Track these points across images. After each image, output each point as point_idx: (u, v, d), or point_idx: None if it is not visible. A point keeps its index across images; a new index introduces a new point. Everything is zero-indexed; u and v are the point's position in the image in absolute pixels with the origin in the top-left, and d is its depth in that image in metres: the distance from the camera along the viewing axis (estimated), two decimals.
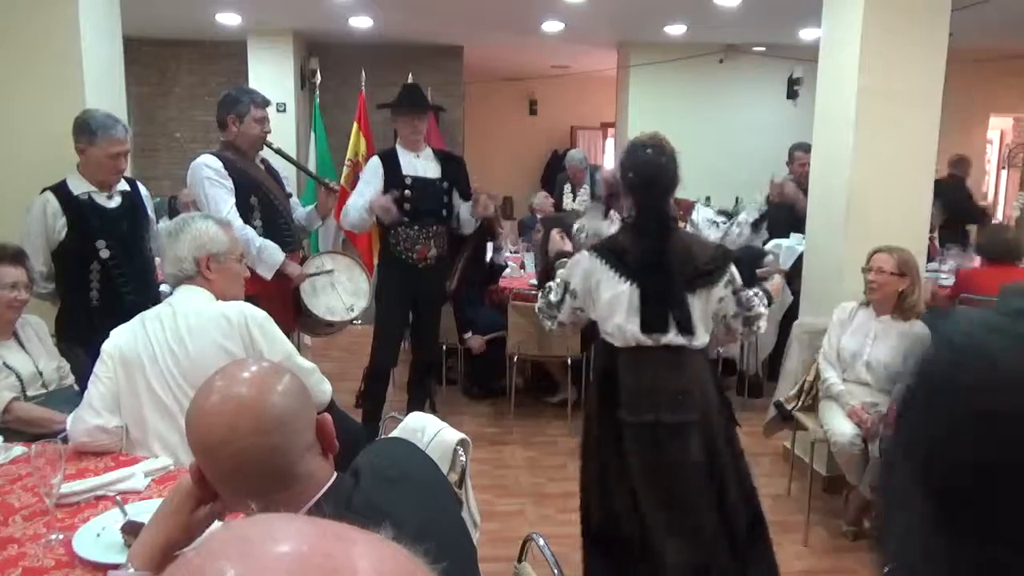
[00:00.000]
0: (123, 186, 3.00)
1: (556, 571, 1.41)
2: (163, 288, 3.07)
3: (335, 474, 1.14)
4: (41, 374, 2.55)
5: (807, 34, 6.97)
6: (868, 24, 3.46)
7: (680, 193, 2.56)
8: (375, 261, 4.45)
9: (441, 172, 3.95)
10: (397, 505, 1.14)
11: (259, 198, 3.29)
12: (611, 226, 3.33)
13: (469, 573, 1.26)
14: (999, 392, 0.51)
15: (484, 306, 4.90)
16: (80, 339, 2.71)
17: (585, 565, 2.48)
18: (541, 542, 1.49)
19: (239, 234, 3.01)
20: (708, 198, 7.94)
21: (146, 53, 7.72)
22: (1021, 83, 8.30)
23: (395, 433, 1.95)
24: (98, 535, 1.56)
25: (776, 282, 3.11)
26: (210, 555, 0.45)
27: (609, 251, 2.39)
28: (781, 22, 6.69)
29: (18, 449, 2.01)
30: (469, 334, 4.71)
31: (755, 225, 3.12)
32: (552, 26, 7.04)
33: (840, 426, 3.06)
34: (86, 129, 2.83)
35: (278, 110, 7.06)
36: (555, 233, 2.76)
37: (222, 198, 3.16)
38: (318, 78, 7.73)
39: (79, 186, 2.88)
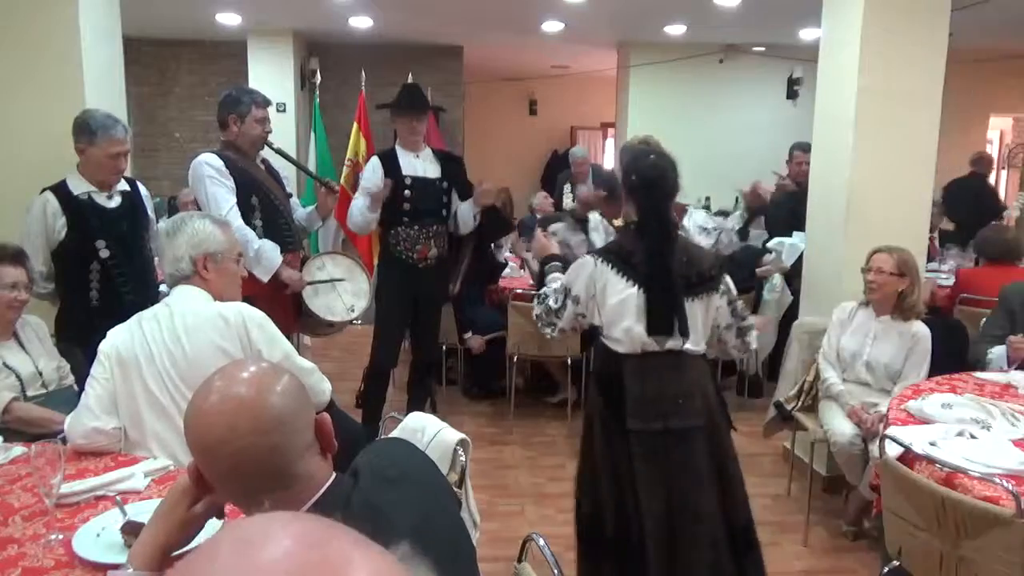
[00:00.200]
0: (123, 186, 3.00)
1: (556, 571, 1.41)
2: (163, 288, 3.07)
3: (334, 474, 1.14)
4: (41, 374, 2.55)
5: (807, 34, 6.97)
6: (868, 24, 3.46)
7: (678, 196, 2.56)
8: (375, 261, 4.45)
9: (441, 172, 3.95)
10: (396, 505, 1.14)
11: (260, 198, 3.29)
12: (583, 242, 3.35)
13: (469, 573, 1.26)
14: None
15: (484, 306, 4.90)
16: (80, 339, 2.71)
17: (579, 566, 2.47)
18: (541, 542, 1.49)
19: (238, 234, 3.01)
20: (708, 198, 7.95)
21: (146, 53, 7.73)
22: (1021, 83, 8.30)
23: (395, 433, 1.95)
24: (98, 535, 1.56)
25: (760, 320, 3.12)
26: (209, 560, 0.46)
27: (615, 255, 2.38)
28: (781, 22, 6.69)
29: (18, 449, 2.01)
30: (469, 334, 4.71)
31: (741, 233, 3.13)
32: (552, 26, 7.04)
33: (840, 426, 3.06)
34: (86, 129, 2.83)
35: (278, 110, 7.06)
36: (540, 234, 2.73)
37: (223, 197, 3.17)
38: (318, 78, 7.74)
39: (79, 186, 2.88)
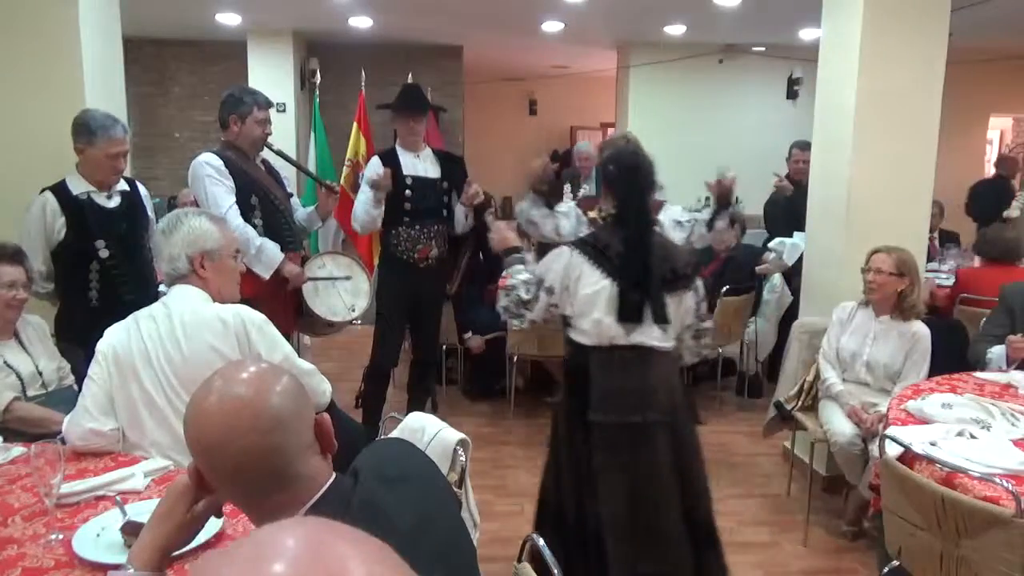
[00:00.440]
0: (122, 186, 3.00)
1: (556, 571, 1.41)
2: (162, 288, 3.07)
3: (334, 474, 1.14)
4: (41, 374, 2.55)
5: (807, 34, 6.97)
6: (868, 24, 3.46)
7: (679, 193, 2.58)
8: (375, 261, 4.45)
9: (441, 172, 3.95)
10: (396, 505, 1.14)
11: (259, 198, 3.29)
12: (547, 216, 3.30)
13: (469, 573, 1.26)
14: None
15: (484, 306, 4.90)
16: (79, 339, 2.70)
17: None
18: (541, 542, 1.49)
19: (239, 233, 3.01)
20: (708, 198, 7.94)
21: (146, 53, 7.72)
22: (1021, 83, 8.30)
23: (395, 433, 1.95)
24: (98, 535, 1.56)
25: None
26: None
27: (591, 246, 2.39)
28: (781, 22, 6.69)
29: (18, 449, 2.01)
30: (469, 334, 4.71)
31: (708, 225, 3.12)
32: (552, 26, 7.03)
33: (840, 426, 3.06)
34: (85, 129, 2.83)
35: (278, 110, 7.06)
36: (502, 226, 2.69)
37: (222, 196, 3.17)
38: (318, 78, 7.73)
39: (78, 186, 2.87)
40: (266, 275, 3.22)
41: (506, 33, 7.47)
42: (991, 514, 1.81)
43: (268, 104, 3.35)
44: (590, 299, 2.35)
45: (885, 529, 2.20)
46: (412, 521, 1.13)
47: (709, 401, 5.00)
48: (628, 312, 2.32)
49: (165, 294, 2.14)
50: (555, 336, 3.76)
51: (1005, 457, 2.05)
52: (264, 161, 3.44)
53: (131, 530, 1.46)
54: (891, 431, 2.25)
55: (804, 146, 4.43)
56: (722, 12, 6.29)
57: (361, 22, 6.90)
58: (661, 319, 2.34)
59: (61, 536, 1.57)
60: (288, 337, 3.20)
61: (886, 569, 2.26)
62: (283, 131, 6.72)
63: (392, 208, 3.80)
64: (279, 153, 3.51)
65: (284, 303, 3.37)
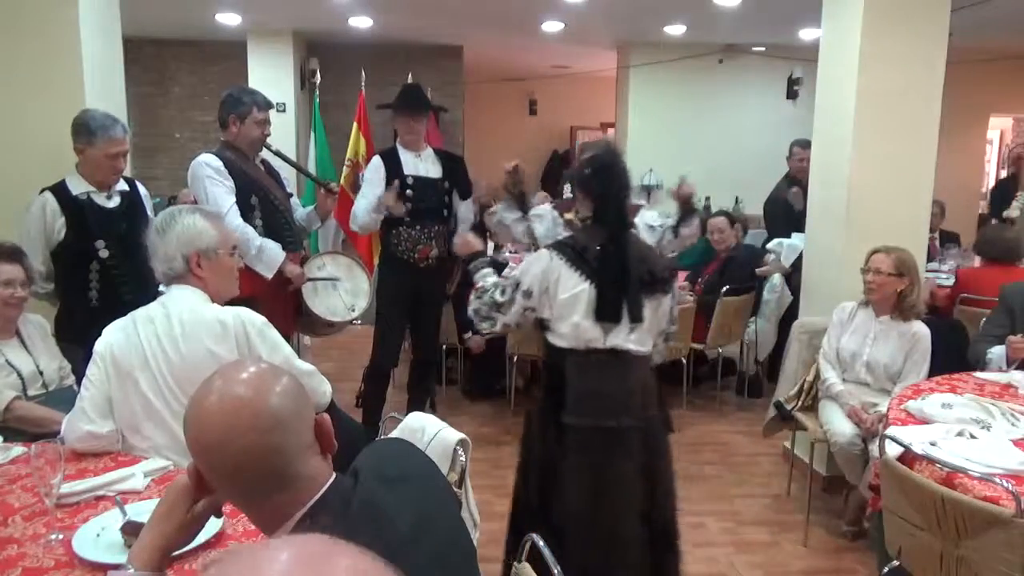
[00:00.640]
0: (122, 186, 3.00)
1: (556, 571, 1.41)
2: (162, 288, 3.07)
3: (334, 474, 1.14)
4: (42, 374, 2.55)
5: (807, 34, 6.97)
6: (868, 24, 3.46)
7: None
8: (375, 261, 4.44)
9: (442, 172, 3.94)
10: (396, 505, 1.14)
11: (259, 198, 3.29)
12: (518, 220, 3.34)
13: (469, 573, 1.26)
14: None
15: None
16: (79, 339, 2.70)
17: (506, 556, 2.46)
18: (541, 542, 1.49)
19: (239, 233, 3.01)
20: (708, 198, 7.95)
21: (146, 53, 7.73)
22: (1021, 83, 8.30)
23: (395, 433, 1.95)
24: (98, 535, 1.56)
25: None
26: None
27: (570, 249, 2.37)
28: (781, 22, 6.69)
29: (18, 449, 2.01)
30: (469, 334, 4.70)
31: (674, 231, 3.13)
32: (552, 26, 7.04)
33: (840, 426, 3.06)
34: (85, 129, 2.83)
35: (278, 110, 7.06)
36: (468, 235, 2.69)
37: (222, 197, 3.17)
38: (318, 78, 7.74)
39: (78, 186, 2.87)
40: (269, 275, 3.22)
41: (506, 33, 7.48)
42: (991, 514, 1.81)
43: (267, 105, 3.35)
44: (569, 303, 2.33)
45: (885, 529, 2.20)
46: (412, 521, 1.13)
47: (709, 401, 5.00)
48: (606, 312, 2.31)
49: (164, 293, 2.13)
50: None
51: (1005, 457, 2.05)
52: (264, 161, 3.44)
53: (131, 530, 1.46)
54: (891, 431, 2.25)
55: (805, 144, 4.44)
56: (722, 12, 6.30)
57: (361, 22, 6.90)
58: (637, 318, 2.33)
59: (61, 536, 1.57)
60: (288, 338, 3.20)
61: (886, 569, 2.26)
62: (283, 131, 6.73)
63: (396, 214, 3.80)
64: (277, 153, 3.51)
65: (284, 303, 3.37)
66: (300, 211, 3.60)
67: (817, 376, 3.35)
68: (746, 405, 4.99)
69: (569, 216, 3.14)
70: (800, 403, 3.43)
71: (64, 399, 2.45)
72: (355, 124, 6.58)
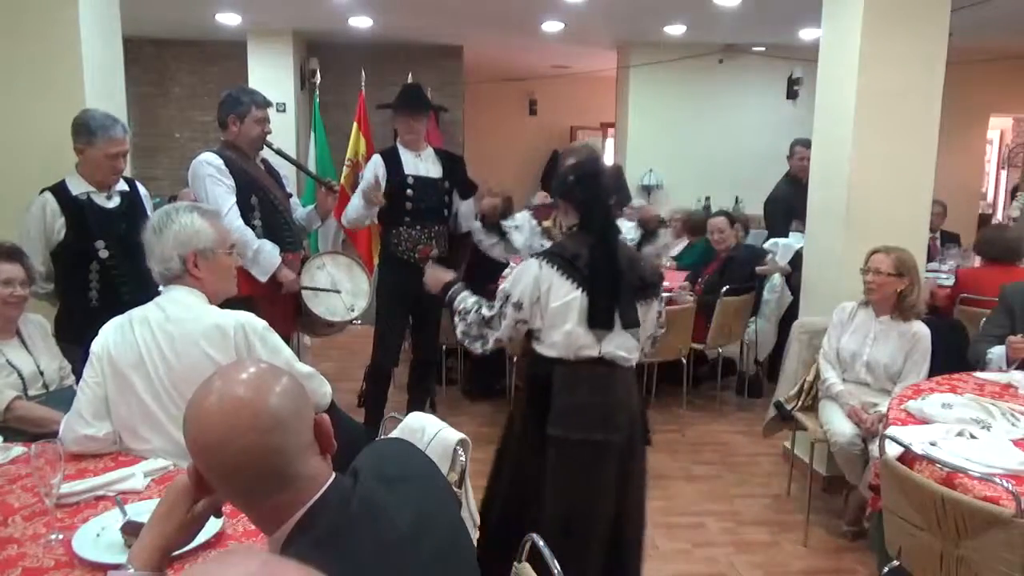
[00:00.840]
0: (122, 186, 3.00)
1: (556, 571, 1.41)
2: (161, 288, 3.07)
3: (334, 474, 1.14)
4: (42, 374, 2.55)
5: (807, 34, 6.97)
6: (868, 24, 3.46)
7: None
8: (375, 261, 4.44)
9: (442, 172, 3.94)
10: (396, 505, 1.14)
11: (259, 198, 3.29)
12: (495, 244, 3.41)
13: (469, 573, 1.26)
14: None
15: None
16: (79, 339, 2.68)
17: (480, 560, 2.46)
18: (541, 542, 1.49)
19: (237, 235, 3.01)
20: (708, 198, 7.96)
21: (146, 53, 7.73)
22: (1021, 83, 8.30)
23: (395, 433, 1.95)
24: (98, 535, 1.56)
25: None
26: None
27: (559, 257, 2.34)
28: (781, 22, 6.69)
29: (18, 449, 2.01)
30: None
31: (638, 246, 3.15)
32: (552, 26, 7.03)
33: (840, 426, 3.06)
34: (85, 129, 2.83)
35: (278, 110, 7.07)
36: (437, 270, 2.67)
37: (223, 196, 3.17)
38: (318, 78, 7.74)
39: (78, 186, 2.87)
40: (263, 278, 3.22)
41: (506, 33, 7.48)
42: (991, 514, 1.81)
43: (266, 103, 3.35)
44: (561, 311, 2.31)
45: (885, 529, 2.20)
46: (412, 521, 1.13)
47: (709, 401, 5.00)
48: (599, 318, 2.29)
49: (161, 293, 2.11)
50: None
51: (1005, 457, 2.05)
52: (264, 161, 3.44)
53: (131, 530, 1.46)
54: (891, 431, 2.25)
55: (807, 143, 4.44)
56: (722, 12, 6.30)
57: (361, 22, 6.91)
58: (630, 324, 2.32)
59: (61, 536, 1.57)
60: (288, 338, 3.20)
61: (886, 569, 2.26)
62: (283, 131, 6.72)
63: (393, 208, 3.80)
64: (278, 152, 3.51)
65: (283, 303, 3.37)
66: (300, 211, 3.60)
67: (817, 376, 3.35)
68: (746, 405, 4.99)
69: (547, 223, 3.14)
70: (800, 403, 3.43)
71: (64, 399, 2.45)
72: (355, 124, 6.58)
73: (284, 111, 7.38)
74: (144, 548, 1.17)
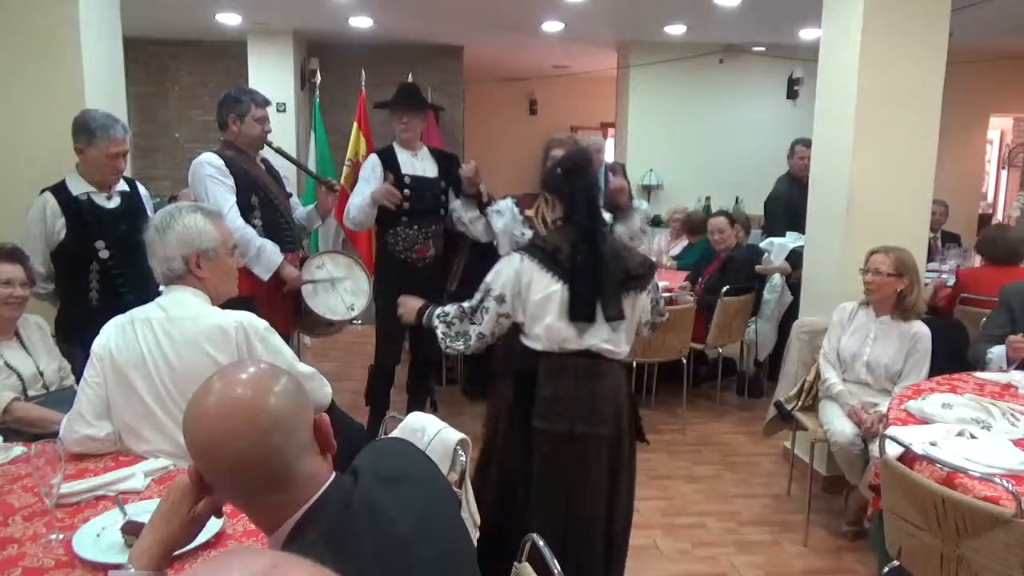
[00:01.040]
0: (122, 186, 3.00)
1: (556, 571, 1.41)
2: (163, 288, 3.07)
3: (334, 474, 1.14)
4: (42, 374, 2.55)
5: (807, 34, 6.97)
6: (868, 24, 3.46)
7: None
8: (375, 260, 4.44)
9: (438, 171, 3.94)
10: (396, 505, 1.14)
11: (259, 197, 3.29)
12: (477, 218, 3.46)
13: (469, 573, 1.26)
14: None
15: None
16: (80, 340, 2.69)
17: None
18: (541, 542, 1.49)
19: (239, 234, 3.01)
20: (708, 198, 7.95)
21: (146, 53, 7.72)
22: (1021, 83, 8.30)
23: (395, 433, 1.95)
24: (98, 535, 1.56)
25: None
26: None
27: (541, 251, 2.35)
28: (781, 22, 6.69)
29: (18, 449, 2.01)
30: None
31: (610, 229, 3.18)
32: (552, 26, 7.03)
33: (840, 426, 3.06)
34: (85, 129, 2.83)
35: (278, 110, 7.06)
36: (408, 301, 2.67)
37: (223, 196, 3.17)
38: (318, 78, 7.73)
39: (78, 186, 2.87)
40: (265, 277, 3.22)
41: (506, 33, 7.47)
42: (991, 514, 1.81)
43: (266, 102, 3.35)
44: (542, 304, 2.31)
45: (885, 529, 2.20)
46: (412, 520, 1.13)
47: (709, 401, 5.00)
48: (579, 311, 2.29)
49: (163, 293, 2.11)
50: None
51: (1005, 457, 2.05)
52: (264, 160, 3.44)
53: (131, 530, 1.46)
54: (891, 431, 2.25)
55: (807, 143, 4.44)
56: (722, 12, 6.29)
57: (361, 22, 6.90)
58: (613, 317, 2.31)
59: (61, 536, 1.57)
60: (287, 337, 3.19)
61: (886, 569, 2.26)
62: (283, 131, 6.72)
63: (390, 208, 3.79)
64: (279, 151, 3.52)
65: (283, 303, 3.37)
66: (300, 210, 3.60)
67: (817, 376, 3.35)
68: (746, 405, 4.99)
69: (530, 212, 3.15)
70: (800, 403, 3.43)
71: (64, 400, 2.45)
72: (355, 124, 6.58)
73: (284, 111, 7.38)
74: (145, 548, 1.17)
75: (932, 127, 3.61)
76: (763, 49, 7.99)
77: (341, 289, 3.56)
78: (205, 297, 2.02)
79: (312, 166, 6.86)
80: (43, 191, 2.86)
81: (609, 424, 2.33)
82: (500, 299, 2.36)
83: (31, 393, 2.49)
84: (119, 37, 3.59)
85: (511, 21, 6.87)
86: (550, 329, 2.31)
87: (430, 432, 1.90)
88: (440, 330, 2.47)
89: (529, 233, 3.12)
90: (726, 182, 7.90)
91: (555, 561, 1.43)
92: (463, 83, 8.62)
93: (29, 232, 2.83)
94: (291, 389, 1.12)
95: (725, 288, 4.59)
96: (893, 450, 2.15)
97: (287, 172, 3.70)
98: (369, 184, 3.82)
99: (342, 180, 6.13)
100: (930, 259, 4.85)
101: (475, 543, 1.56)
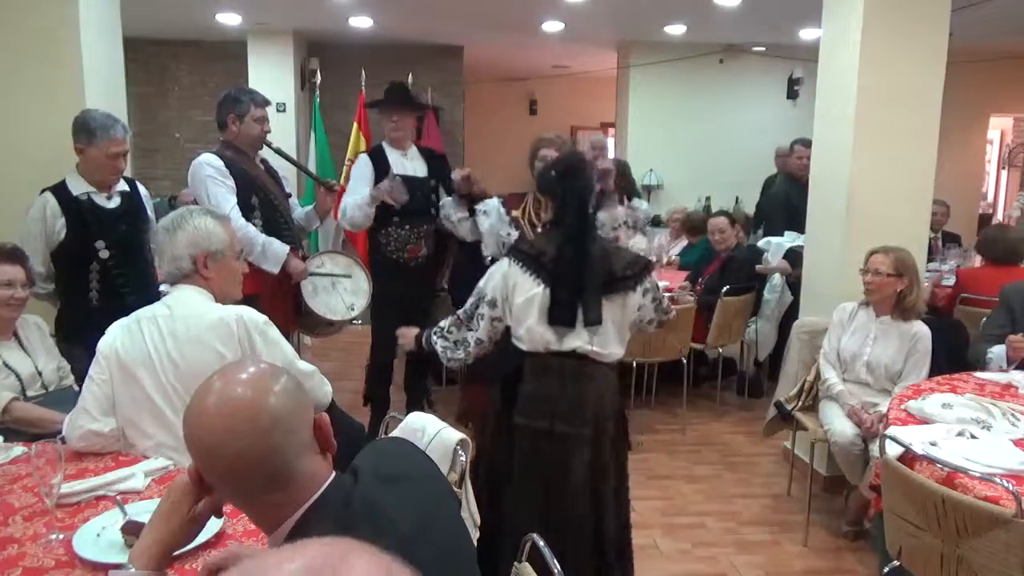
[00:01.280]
0: (122, 186, 3.00)
1: (556, 571, 1.41)
2: (163, 288, 3.07)
3: (334, 473, 1.14)
4: (41, 374, 2.55)
5: (807, 34, 6.96)
6: (868, 24, 3.46)
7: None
8: (368, 261, 4.43)
9: (428, 170, 3.94)
10: (396, 504, 1.14)
11: (259, 198, 3.29)
12: (465, 219, 3.49)
13: (469, 573, 1.26)
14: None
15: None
16: (80, 340, 2.70)
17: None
18: (541, 542, 1.49)
19: (242, 233, 3.01)
20: (708, 198, 7.95)
21: (146, 53, 7.72)
22: (1021, 83, 8.30)
23: (396, 433, 1.95)
24: (98, 535, 1.56)
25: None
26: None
27: (525, 254, 2.36)
28: (781, 22, 6.69)
29: (18, 449, 2.01)
30: None
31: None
32: (552, 26, 7.03)
33: (840, 426, 3.06)
34: (85, 129, 2.83)
35: (278, 110, 7.06)
36: (404, 330, 2.71)
37: (224, 197, 3.17)
38: (318, 78, 7.73)
39: (78, 186, 2.87)
40: (275, 270, 3.23)
41: (506, 33, 7.47)
42: (991, 514, 1.81)
43: (266, 102, 3.35)
44: (524, 307, 2.32)
45: (886, 529, 2.20)
46: (412, 520, 1.13)
47: (709, 401, 5.00)
48: (558, 315, 2.29)
49: (166, 294, 2.13)
50: None
51: (1005, 457, 2.05)
52: (263, 160, 3.44)
53: (131, 530, 1.46)
54: (891, 431, 2.25)
55: (807, 143, 4.45)
56: (722, 12, 6.29)
57: (361, 22, 6.90)
58: (591, 322, 2.30)
59: (61, 536, 1.57)
60: (288, 337, 3.19)
61: (886, 569, 2.26)
62: (283, 131, 6.72)
63: (382, 209, 3.79)
64: (278, 151, 3.51)
65: (283, 302, 3.37)
66: (299, 211, 3.60)
67: (817, 376, 3.35)
68: (746, 405, 4.99)
69: (516, 213, 3.15)
70: (800, 403, 3.43)
71: (63, 400, 2.45)
72: (355, 124, 6.58)
73: (284, 111, 7.37)
74: (145, 548, 1.17)
75: (932, 127, 3.61)
76: (763, 49, 7.99)
77: (341, 289, 3.56)
78: (209, 296, 2.05)
79: (312, 166, 6.86)
80: (43, 191, 2.86)
81: (589, 426, 2.33)
82: (492, 303, 2.39)
83: (30, 393, 2.49)
84: (119, 37, 3.59)
85: (511, 21, 6.87)
86: (531, 332, 2.32)
87: (430, 432, 1.90)
88: (439, 345, 2.50)
89: (515, 233, 3.13)
90: (726, 182, 7.90)
91: (555, 561, 1.43)
92: (463, 83, 8.62)
93: (29, 232, 2.83)
94: (291, 388, 1.12)
95: (725, 288, 4.58)
96: (893, 450, 2.15)
97: (286, 172, 3.70)
98: (362, 183, 3.81)
99: (342, 180, 6.12)
100: (930, 259, 4.85)
101: (475, 543, 1.56)
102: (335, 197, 3.65)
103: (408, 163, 3.89)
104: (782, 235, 5.03)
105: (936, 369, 3.03)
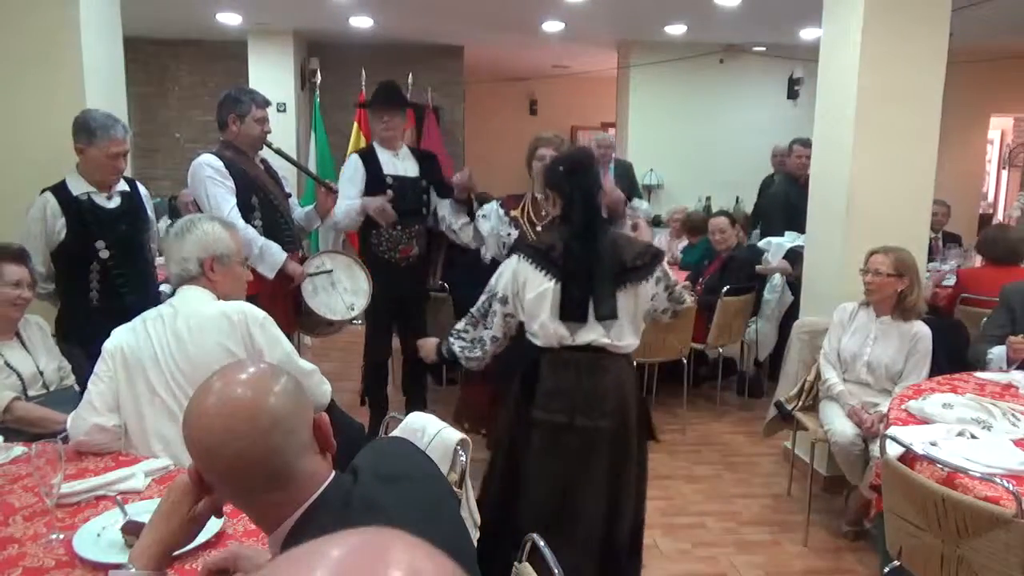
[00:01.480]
0: (123, 186, 3.00)
1: (556, 571, 1.41)
2: (163, 288, 3.07)
3: (334, 473, 1.14)
4: (42, 374, 2.56)
5: (807, 34, 6.97)
6: (868, 24, 3.46)
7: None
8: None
9: (419, 170, 3.93)
10: (396, 504, 1.14)
11: (259, 198, 3.29)
12: (466, 224, 3.50)
13: (469, 573, 1.26)
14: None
15: (481, 287, 4.83)
16: (80, 340, 2.71)
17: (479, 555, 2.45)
18: (541, 542, 1.49)
19: (241, 234, 3.01)
20: (708, 198, 7.96)
21: (146, 53, 7.72)
22: (1021, 83, 8.30)
23: (396, 433, 1.95)
24: (98, 535, 1.56)
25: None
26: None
27: (534, 250, 2.38)
28: (781, 22, 6.69)
29: (18, 449, 2.01)
30: None
31: None
32: (552, 26, 7.03)
33: (840, 426, 3.06)
34: (85, 129, 2.83)
35: (278, 110, 7.06)
36: (423, 342, 2.74)
37: (224, 197, 3.17)
38: (318, 78, 7.73)
39: (78, 186, 2.87)
40: (270, 275, 3.22)
41: (506, 33, 7.47)
42: (992, 514, 1.81)
43: (266, 103, 3.35)
44: (535, 303, 2.33)
45: (886, 529, 2.20)
46: (412, 520, 1.13)
47: (709, 401, 5.00)
48: (570, 311, 2.29)
49: (166, 294, 2.15)
50: None
51: (1006, 457, 2.05)
52: (263, 161, 3.44)
53: (131, 530, 1.46)
54: (892, 431, 2.25)
55: (806, 143, 4.45)
56: (722, 12, 6.29)
57: (361, 22, 6.90)
58: (604, 316, 2.30)
59: (62, 536, 1.57)
60: (288, 336, 3.19)
61: (886, 569, 2.26)
62: (283, 131, 6.72)
63: (380, 223, 3.79)
64: (278, 152, 3.51)
65: (283, 302, 3.37)
66: (299, 211, 3.60)
67: (818, 376, 3.35)
68: (746, 405, 4.99)
69: (515, 213, 3.15)
70: (801, 403, 3.43)
71: (64, 400, 2.46)
72: (355, 124, 6.58)
73: (284, 111, 7.38)
74: (145, 548, 1.17)
75: (932, 127, 3.61)
76: (763, 49, 7.99)
77: (341, 289, 3.56)
78: (212, 295, 2.09)
79: (312, 166, 6.87)
80: (43, 191, 2.86)
81: (611, 418, 2.33)
82: (503, 300, 2.40)
83: (31, 393, 2.49)
84: (119, 37, 3.59)
85: (511, 21, 6.87)
86: (545, 327, 2.32)
87: (430, 432, 1.90)
88: (457, 347, 2.52)
89: (515, 233, 3.14)
90: (726, 182, 7.90)
91: (556, 561, 1.42)
92: (463, 83, 8.63)
93: (29, 232, 2.83)
94: (291, 389, 1.12)
95: (725, 288, 4.58)
96: (894, 450, 2.15)
97: (286, 173, 3.70)
98: (353, 185, 3.80)
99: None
100: (931, 259, 4.85)
101: (475, 543, 1.56)
102: (335, 198, 3.64)
103: (400, 163, 3.89)
104: (781, 235, 5.03)
105: (936, 369, 3.03)
